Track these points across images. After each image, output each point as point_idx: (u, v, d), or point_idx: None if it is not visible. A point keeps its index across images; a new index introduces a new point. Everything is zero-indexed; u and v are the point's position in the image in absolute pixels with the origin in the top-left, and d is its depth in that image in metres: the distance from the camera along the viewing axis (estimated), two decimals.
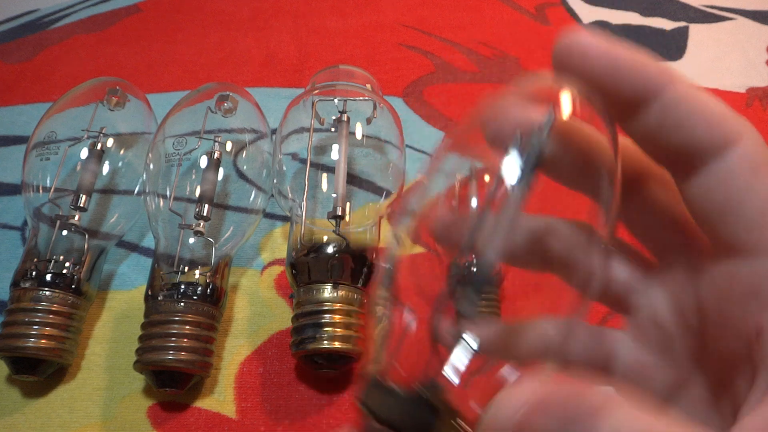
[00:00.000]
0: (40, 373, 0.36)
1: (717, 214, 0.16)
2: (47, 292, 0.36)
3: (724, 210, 0.16)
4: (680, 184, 0.17)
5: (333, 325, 0.35)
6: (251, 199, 0.43)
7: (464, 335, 0.17)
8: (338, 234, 0.38)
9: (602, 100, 0.17)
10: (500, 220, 0.17)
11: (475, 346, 0.17)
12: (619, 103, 0.17)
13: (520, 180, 0.17)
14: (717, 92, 0.54)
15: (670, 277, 0.19)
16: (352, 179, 0.42)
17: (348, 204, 0.40)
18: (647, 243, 0.20)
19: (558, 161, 0.18)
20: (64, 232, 0.39)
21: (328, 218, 0.38)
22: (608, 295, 0.20)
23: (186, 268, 0.37)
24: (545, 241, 0.20)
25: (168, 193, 0.40)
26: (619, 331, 0.20)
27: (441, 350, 0.17)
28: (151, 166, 0.41)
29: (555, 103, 0.17)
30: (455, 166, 0.20)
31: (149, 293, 0.37)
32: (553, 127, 0.17)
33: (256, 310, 0.41)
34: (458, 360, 0.16)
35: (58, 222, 0.39)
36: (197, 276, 0.37)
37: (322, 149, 0.43)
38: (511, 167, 0.17)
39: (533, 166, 0.17)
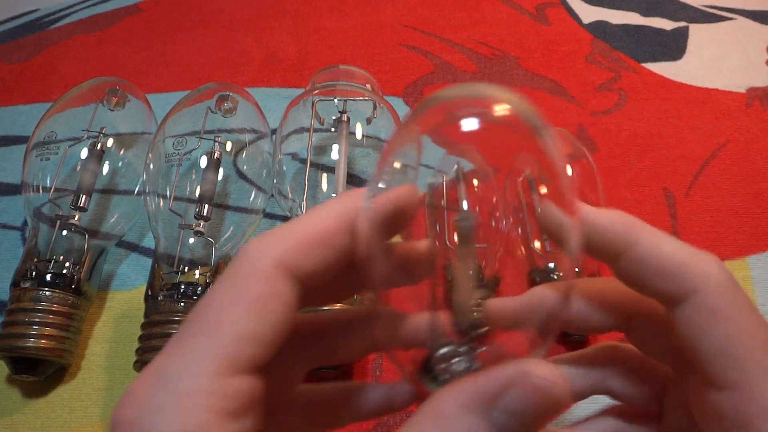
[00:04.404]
0: (40, 373, 0.36)
1: (689, 350, 0.18)
2: (47, 292, 0.36)
3: (692, 348, 0.18)
4: (669, 318, 0.19)
5: None
6: (251, 199, 0.43)
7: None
8: None
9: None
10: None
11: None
12: (601, 255, 0.19)
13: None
14: (717, 92, 0.54)
15: (681, 392, 0.21)
16: (352, 179, 0.42)
17: None
18: (665, 361, 0.21)
19: None
20: (64, 232, 0.39)
21: None
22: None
23: (186, 268, 0.37)
24: None
25: (168, 193, 0.40)
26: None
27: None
28: (151, 166, 0.41)
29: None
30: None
31: (149, 293, 0.37)
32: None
33: None
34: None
35: (58, 222, 0.39)
36: (197, 276, 0.37)
37: (322, 149, 0.43)
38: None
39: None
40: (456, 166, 0.43)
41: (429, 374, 0.17)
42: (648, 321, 0.21)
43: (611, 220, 0.19)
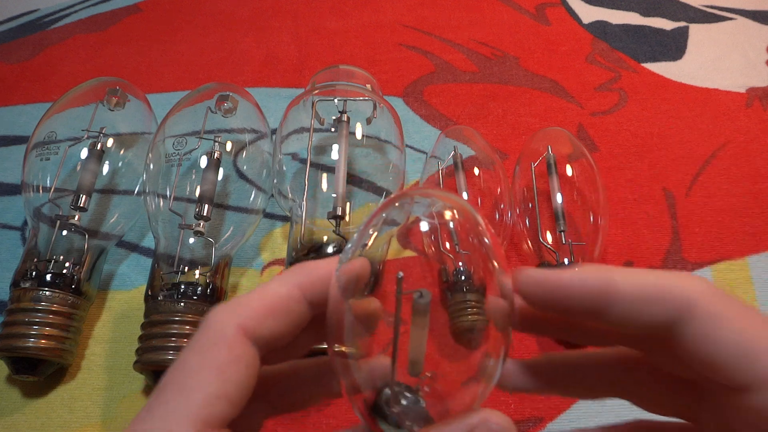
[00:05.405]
0: (40, 373, 0.36)
1: (708, 365, 0.18)
2: (47, 292, 0.36)
3: (711, 360, 0.18)
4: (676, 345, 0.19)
5: None
6: (251, 199, 0.43)
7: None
8: (338, 234, 0.38)
9: None
10: None
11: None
12: (587, 313, 0.19)
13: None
14: (717, 92, 0.54)
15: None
16: (352, 179, 0.42)
17: (348, 204, 0.40)
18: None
19: None
20: (64, 232, 0.39)
21: (328, 218, 0.38)
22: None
23: (186, 268, 0.37)
24: None
25: (168, 193, 0.40)
26: None
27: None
28: (151, 166, 0.41)
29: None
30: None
31: (149, 293, 0.37)
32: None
33: None
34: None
35: (58, 222, 0.39)
36: (197, 276, 0.37)
37: (322, 149, 0.43)
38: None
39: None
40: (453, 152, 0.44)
41: (380, 412, 0.19)
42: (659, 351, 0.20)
43: (583, 276, 0.19)
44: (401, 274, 0.19)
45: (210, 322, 0.19)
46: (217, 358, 0.18)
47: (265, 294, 0.20)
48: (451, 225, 0.21)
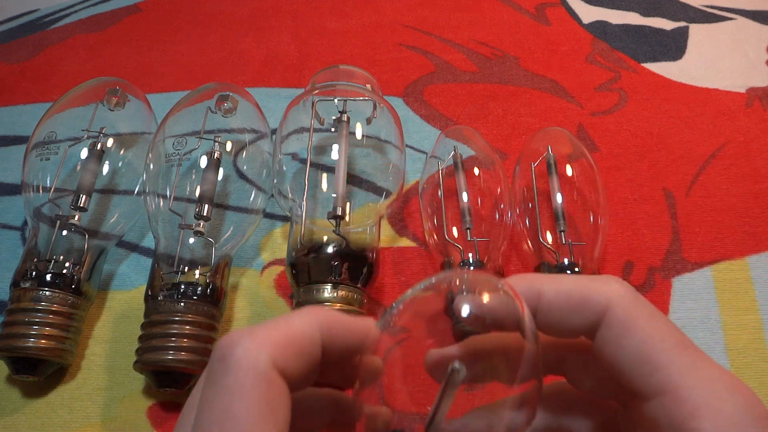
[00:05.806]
0: (40, 373, 0.36)
1: (614, 370, 0.19)
2: (47, 292, 0.36)
3: (616, 366, 0.19)
4: (595, 353, 0.20)
5: None
6: (251, 199, 0.43)
7: None
8: (338, 234, 0.38)
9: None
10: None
11: None
12: None
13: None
14: (717, 92, 0.54)
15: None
16: (352, 179, 0.42)
17: (348, 204, 0.40)
18: (606, 396, 0.22)
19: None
20: (64, 232, 0.39)
21: (328, 218, 0.38)
22: None
23: (186, 268, 0.37)
24: None
25: (168, 193, 0.40)
26: None
27: None
28: (151, 166, 0.41)
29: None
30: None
31: (149, 293, 0.37)
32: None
33: (256, 310, 0.41)
34: None
35: (58, 222, 0.39)
36: (197, 276, 0.37)
37: (322, 149, 0.43)
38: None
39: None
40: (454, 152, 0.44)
41: None
42: (581, 357, 0.21)
43: (512, 284, 0.19)
44: (463, 370, 0.18)
45: (237, 356, 0.18)
46: (264, 397, 0.17)
47: (290, 330, 0.19)
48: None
